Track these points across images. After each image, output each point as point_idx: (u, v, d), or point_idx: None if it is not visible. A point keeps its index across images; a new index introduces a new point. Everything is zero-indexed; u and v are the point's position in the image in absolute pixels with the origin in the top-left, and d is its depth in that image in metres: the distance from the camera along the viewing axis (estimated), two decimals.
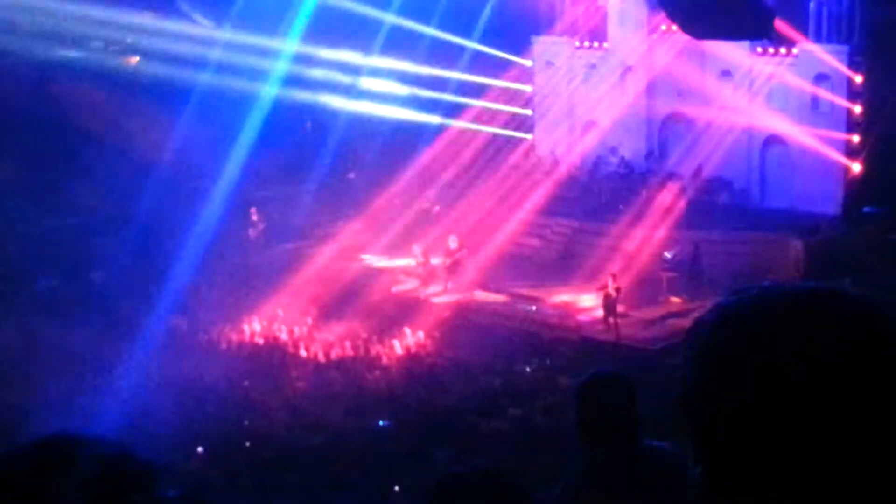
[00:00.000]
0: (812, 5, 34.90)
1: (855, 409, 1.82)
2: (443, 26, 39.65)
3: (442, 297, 32.91)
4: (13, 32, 37.35)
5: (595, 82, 40.04)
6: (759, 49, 35.82)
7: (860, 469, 1.83)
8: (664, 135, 38.66)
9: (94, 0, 37.45)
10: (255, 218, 38.06)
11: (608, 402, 5.14)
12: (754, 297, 1.96)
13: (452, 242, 33.81)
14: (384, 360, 28.31)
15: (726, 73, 36.70)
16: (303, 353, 29.15)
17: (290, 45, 39.14)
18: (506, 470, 3.77)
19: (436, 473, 3.95)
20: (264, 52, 38.76)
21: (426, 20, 39.72)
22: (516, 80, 41.74)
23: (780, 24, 32.25)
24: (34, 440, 2.29)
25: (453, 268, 33.48)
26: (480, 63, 40.56)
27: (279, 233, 37.59)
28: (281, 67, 38.84)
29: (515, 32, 40.52)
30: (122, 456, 2.30)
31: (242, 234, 37.35)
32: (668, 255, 32.23)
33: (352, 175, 39.79)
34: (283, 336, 30.17)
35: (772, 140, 36.19)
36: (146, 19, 45.20)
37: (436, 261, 33.89)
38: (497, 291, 32.77)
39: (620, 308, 29.70)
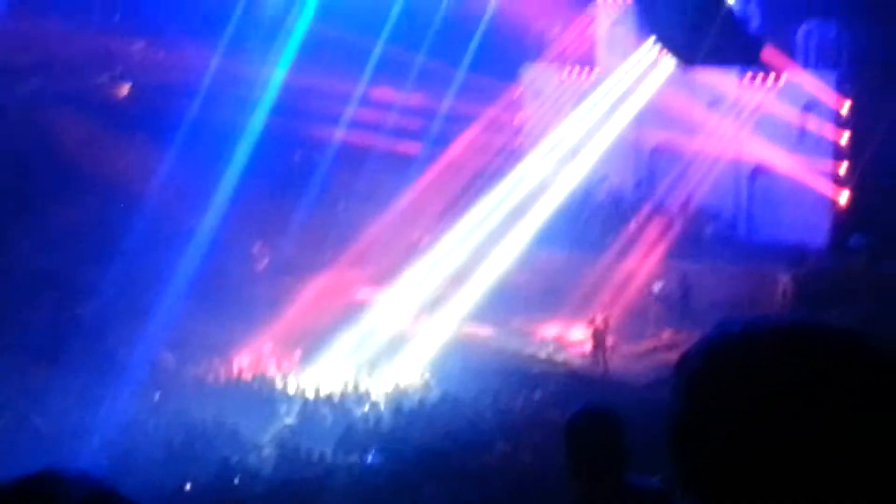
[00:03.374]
0: (800, 32, 35.06)
1: (843, 441, 1.82)
2: (431, 55, 39.80)
3: (429, 330, 32.85)
4: None
5: (585, 110, 40.14)
6: (748, 77, 35.95)
7: (851, 501, 1.81)
8: (653, 164, 38.72)
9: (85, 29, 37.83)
10: (258, 252, 37.99)
11: (596, 437, 5.11)
12: (740, 330, 1.97)
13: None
14: (373, 395, 28.27)
15: (715, 103, 36.80)
16: (290, 388, 29.10)
17: (279, 74, 39.34)
18: None
19: None
20: (254, 82, 38.93)
21: (415, 49, 39.88)
22: (506, 108, 41.72)
23: (769, 51, 32.45)
24: (16, 477, 2.24)
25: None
26: (469, 91, 40.53)
27: (270, 265, 37.61)
28: (270, 97, 38.96)
29: (505, 60, 40.61)
30: (107, 494, 2.26)
31: (236, 267, 37.30)
32: (656, 287, 32.27)
33: (341, 206, 39.70)
34: (272, 371, 30.09)
35: (759, 170, 36.26)
36: (137, 48, 45.55)
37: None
38: (486, 324, 32.72)
39: (609, 341, 29.71)
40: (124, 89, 44.26)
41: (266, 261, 37.98)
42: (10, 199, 36.49)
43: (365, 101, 40.92)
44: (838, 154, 34.61)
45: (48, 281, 33.92)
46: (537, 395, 27.54)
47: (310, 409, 27.40)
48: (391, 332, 33.23)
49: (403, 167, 39.58)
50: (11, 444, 24.10)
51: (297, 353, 31.32)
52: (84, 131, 37.66)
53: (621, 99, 38.86)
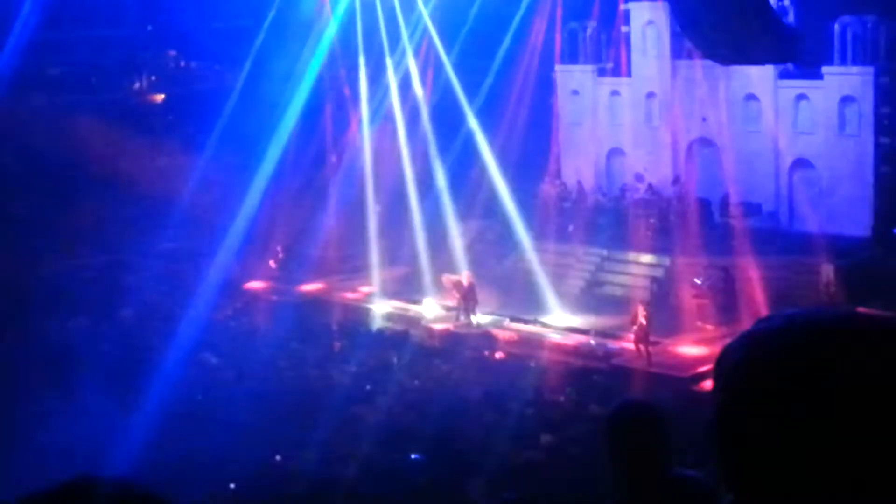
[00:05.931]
0: (836, 27, 34.86)
1: (886, 434, 1.78)
2: (464, 55, 39.87)
3: (469, 328, 32.84)
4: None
5: (619, 110, 40.08)
6: (785, 71, 35.81)
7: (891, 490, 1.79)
8: (690, 160, 38.59)
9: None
10: (280, 255, 38.17)
11: (638, 431, 5.09)
12: (780, 324, 1.94)
13: (465, 279, 33.58)
14: (415, 392, 28.29)
15: (752, 97, 36.68)
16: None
17: (311, 75, 39.56)
18: (537, 501, 3.71)
19: None
20: (285, 84, 39.11)
21: (447, 48, 39.95)
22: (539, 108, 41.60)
23: (805, 47, 32.20)
24: (55, 485, 2.25)
25: (470, 303, 33.26)
26: (501, 92, 40.52)
27: (306, 266, 37.77)
28: (301, 97, 39.18)
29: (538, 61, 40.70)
30: (143, 497, 2.25)
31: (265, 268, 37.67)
32: (698, 281, 32.14)
33: (378, 207, 39.77)
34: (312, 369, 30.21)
35: (799, 163, 36.08)
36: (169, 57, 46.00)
37: (457, 294, 33.69)
38: (526, 321, 32.70)
39: (651, 336, 29.61)
40: (157, 98, 44.69)
41: (280, 261, 38.11)
42: (42, 208, 36.76)
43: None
44: (878, 145, 34.39)
45: (85, 287, 34.18)
46: (580, 389, 27.52)
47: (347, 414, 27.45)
48: (431, 329, 33.35)
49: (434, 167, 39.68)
50: (55, 451, 24.21)
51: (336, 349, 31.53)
52: (117, 140, 37.93)
53: (656, 96, 38.76)
